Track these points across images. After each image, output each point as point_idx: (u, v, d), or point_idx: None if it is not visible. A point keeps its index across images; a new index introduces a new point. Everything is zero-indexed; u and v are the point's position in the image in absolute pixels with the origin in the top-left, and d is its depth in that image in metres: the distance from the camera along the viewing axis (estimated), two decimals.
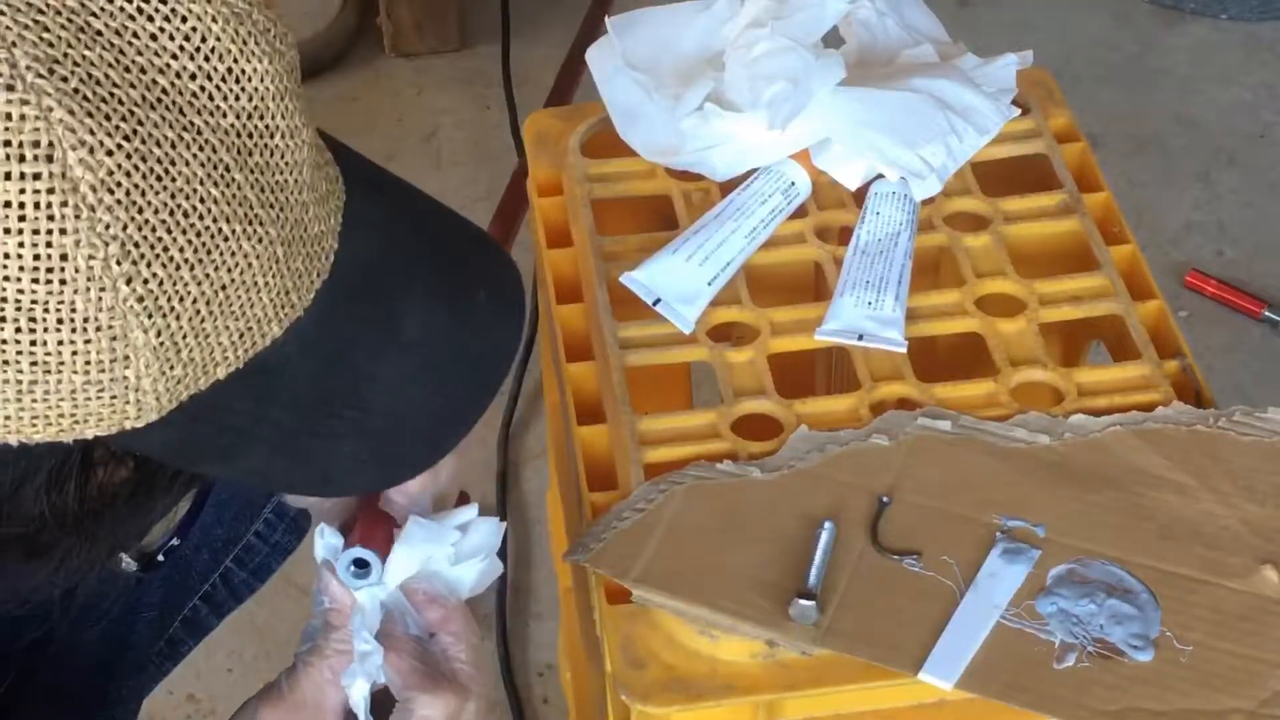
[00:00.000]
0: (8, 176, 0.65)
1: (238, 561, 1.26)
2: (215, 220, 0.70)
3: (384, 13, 2.56)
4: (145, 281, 0.68)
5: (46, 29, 0.67)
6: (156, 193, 0.68)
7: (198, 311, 0.70)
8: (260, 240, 0.72)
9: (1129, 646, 1.02)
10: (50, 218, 0.66)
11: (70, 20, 0.67)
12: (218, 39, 0.71)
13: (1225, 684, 1.00)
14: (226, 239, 0.70)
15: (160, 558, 0.90)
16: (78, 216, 0.66)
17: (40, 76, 0.66)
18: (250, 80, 0.72)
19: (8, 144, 0.65)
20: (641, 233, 1.30)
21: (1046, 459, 1.12)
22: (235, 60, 0.71)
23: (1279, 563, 1.06)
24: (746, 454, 1.13)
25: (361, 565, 0.97)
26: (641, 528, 1.07)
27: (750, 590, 1.04)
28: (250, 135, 0.72)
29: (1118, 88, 2.50)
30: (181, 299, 0.70)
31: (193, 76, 0.70)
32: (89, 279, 0.67)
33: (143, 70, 0.68)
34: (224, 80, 0.71)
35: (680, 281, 1.22)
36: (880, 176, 1.30)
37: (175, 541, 0.90)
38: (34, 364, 0.68)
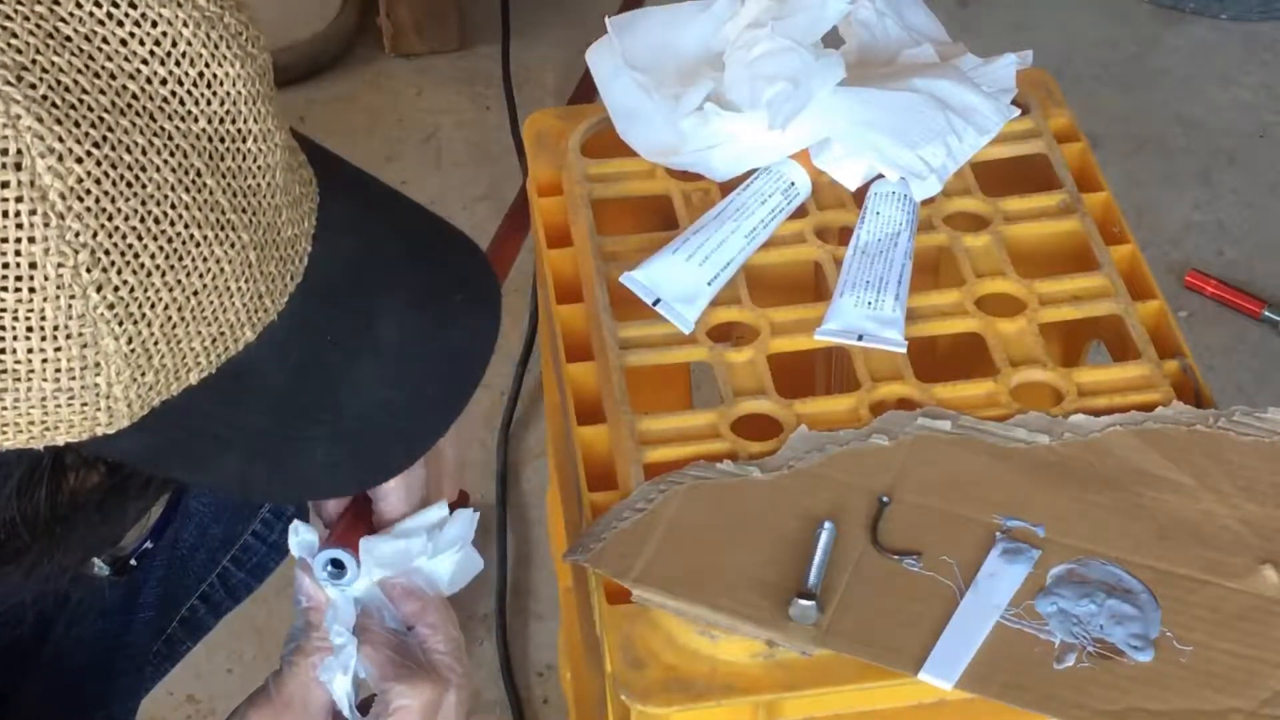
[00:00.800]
0: None
1: (235, 561, 1.26)
2: (187, 226, 0.69)
3: (384, 13, 2.56)
4: (116, 289, 0.68)
5: (14, 35, 0.66)
6: (127, 199, 0.67)
7: (169, 318, 0.70)
8: (232, 245, 0.71)
9: (1129, 647, 1.02)
10: (19, 226, 0.65)
11: (39, 26, 0.66)
12: (189, 44, 0.70)
13: (1225, 684, 1.00)
14: (198, 244, 0.70)
15: (133, 562, 0.89)
16: (47, 224, 0.66)
17: (8, 84, 0.65)
18: (222, 85, 0.71)
19: None
20: (641, 233, 1.30)
21: (1046, 459, 1.12)
22: (206, 65, 0.71)
23: (1279, 563, 1.06)
24: (746, 454, 1.13)
25: (338, 566, 0.96)
26: (641, 528, 1.07)
27: (750, 590, 1.04)
28: (222, 140, 0.71)
29: (1118, 88, 2.49)
30: (153, 305, 0.69)
31: (163, 82, 0.69)
32: (59, 287, 0.66)
33: (113, 76, 0.68)
34: (195, 85, 0.70)
35: (680, 281, 1.22)
36: (880, 176, 1.29)
37: (149, 545, 0.89)
38: (3, 371, 0.67)
